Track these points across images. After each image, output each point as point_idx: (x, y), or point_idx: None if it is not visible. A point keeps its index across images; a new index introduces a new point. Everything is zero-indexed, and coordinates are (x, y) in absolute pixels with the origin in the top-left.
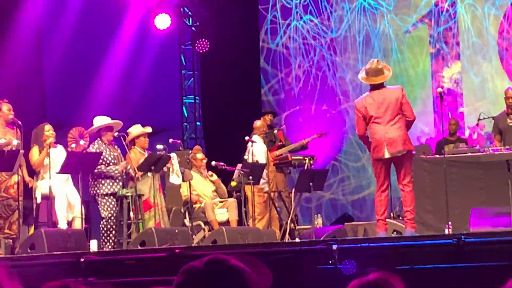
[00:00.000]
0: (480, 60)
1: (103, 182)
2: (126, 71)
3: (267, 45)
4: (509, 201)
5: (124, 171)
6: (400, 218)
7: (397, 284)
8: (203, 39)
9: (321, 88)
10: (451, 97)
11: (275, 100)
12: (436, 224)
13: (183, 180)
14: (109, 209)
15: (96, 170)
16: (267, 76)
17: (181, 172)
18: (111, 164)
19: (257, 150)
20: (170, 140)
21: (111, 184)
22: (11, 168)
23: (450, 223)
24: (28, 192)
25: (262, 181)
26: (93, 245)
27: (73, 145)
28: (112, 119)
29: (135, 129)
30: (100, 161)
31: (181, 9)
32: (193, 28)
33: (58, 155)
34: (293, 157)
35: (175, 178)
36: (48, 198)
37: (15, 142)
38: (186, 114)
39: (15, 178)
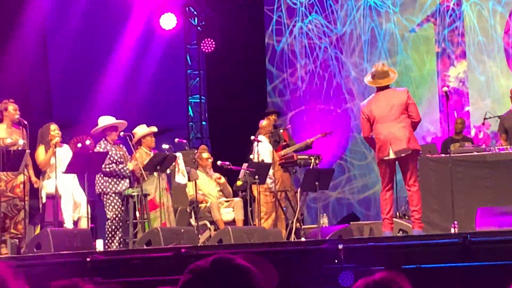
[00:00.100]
0: (486, 59)
1: (110, 180)
2: (131, 71)
3: (273, 45)
4: None
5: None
6: (406, 217)
7: (403, 284)
8: (209, 39)
9: (326, 87)
10: (457, 96)
11: (280, 100)
12: (442, 223)
13: (189, 180)
14: (114, 209)
15: (108, 169)
16: (272, 76)
17: (187, 172)
18: (118, 163)
19: (263, 149)
20: (176, 139)
21: (118, 183)
22: (17, 167)
23: (456, 222)
24: (34, 191)
25: (268, 180)
26: (99, 245)
27: (79, 145)
28: (117, 119)
29: (141, 129)
30: (109, 160)
31: (187, 8)
32: (198, 27)
33: (64, 154)
34: (299, 157)
35: (181, 178)
36: (54, 198)
37: (21, 141)
38: (191, 114)
39: (21, 178)
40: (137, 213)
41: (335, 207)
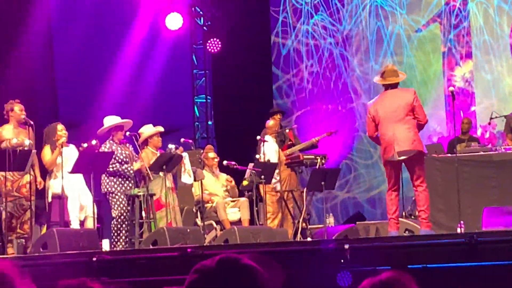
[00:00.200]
0: (492, 58)
1: (115, 180)
2: (137, 71)
3: (278, 45)
4: None
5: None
6: (412, 217)
7: (409, 283)
8: (215, 39)
9: (332, 87)
10: (463, 96)
11: (286, 100)
12: (447, 223)
13: (195, 180)
14: (119, 208)
15: (112, 169)
16: (278, 76)
17: (192, 172)
18: (123, 163)
19: (269, 149)
20: (182, 139)
21: (123, 182)
22: (23, 167)
23: (462, 222)
24: (40, 191)
25: (273, 180)
26: (105, 245)
27: (85, 144)
28: (123, 118)
29: (147, 129)
30: (114, 160)
31: (193, 8)
32: (204, 28)
33: (71, 154)
34: (305, 156)
35: (187, 178)
36: (60, 198)
37: (27, 142)
38: (197, 114)
39: (27, 178)
40: (143, 213)
41: (342, 207)
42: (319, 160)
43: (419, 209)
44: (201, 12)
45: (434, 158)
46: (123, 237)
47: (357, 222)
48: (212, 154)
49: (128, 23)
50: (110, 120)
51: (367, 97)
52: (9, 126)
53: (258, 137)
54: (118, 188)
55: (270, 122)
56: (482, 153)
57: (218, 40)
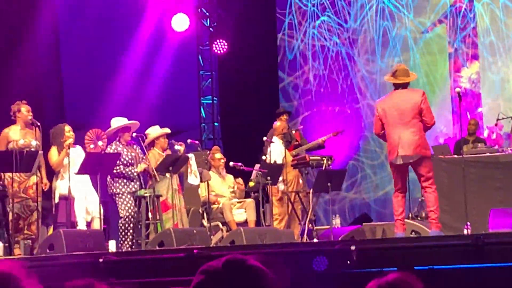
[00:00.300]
0: (499, 59)
1: (119, 181)
2: (144, 72)
3: (284, 47)
4: None
5: (144, 171)
6: (419, 218)
7: (416, 285)
8: (221, 40)
9: (338, 88)
10: (470, 97)
11: (292, 101)
12: (452, 224)
13: (201, 181)
14: (126, 207)
15: (115, 171)
16: (284, 77)
17: (199, 173)
18: (128, 164)
19: (275, 150)
20: (188, 140)
21: (128, 184)
22: (30, 168)
23: (468, 223)
24: (47, 192)
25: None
26: (112, 246)
27: (92, 146)
28: (130, 120)
29: (154, 130)
30: (118, 161)
31: (199, 10)
32: (211, 29)
33: (77, 155)
34: (311, 158)
35: (193, 179)
36: (67, 199)
37: (33, 143)
38: (204, 115)
39: (34, 179)
40: (149, 214)
41: (350, 208)
42: (325, 161)
43: (428, 210)
44: (207, 13)
45: (441, 159)
46: (130, 237)
47: (363, 223)
48: (218, 155)
49: (134, 25)
50: (117, 122)
51: (373, 98)
52: (16, 127)
53: (265, 138)
54: (123, 190)
55: (277, 123)
56: (488, 154)
57: (224, 41)
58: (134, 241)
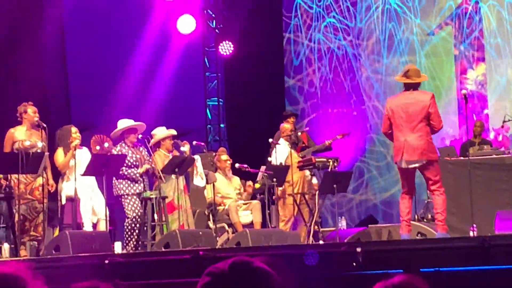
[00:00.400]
0: (505, 61)
1: (124, 182)
2: (150, 74)
3: (290, 49)
4: None
5: (148, 172)
6: (424, 220)
7: (422, 287)
8: (227, 42)
9: (344, 90)
10: (476, 99)
11: (298, 102)
12: (459, 226)
13: (207, 182)
14: (133, 208)
15: (120, 172)
16: (290, 78)
17: (205, 174)
18: (132, 166)
19: (280, 152)
20: (194, 142)
21: (132, 185)
22: (36, 170)
23: (474, 225)
24: (53, 194)
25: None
26: (117, 247)
27: (98, 147)
28: (135, 121)
29: (160, 131)
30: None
31: (205, 11)
32: (216, 30)
33: (83, 157)
34: (317, 159)
35: (199, 180)
36: (73, 200)
37: (40, 144)
38: (209, 116)
39: (40, 180)
40: (155, 216)
41: (358, 210)
42: (331, 163)
43: (435, 212)
44: (213, 15)
45: (447, 161)
46: (135, 237)
47: (369, 225)
48: (225, 157)
49: (140, 26)
50: (124, 123)
51: (379, 99)
52: (22, 127)
53: (271, 140)
54: (127, 191)
55: (284, 125)
56: (494, 156)
57: (230, 43)
58: (139, 242)
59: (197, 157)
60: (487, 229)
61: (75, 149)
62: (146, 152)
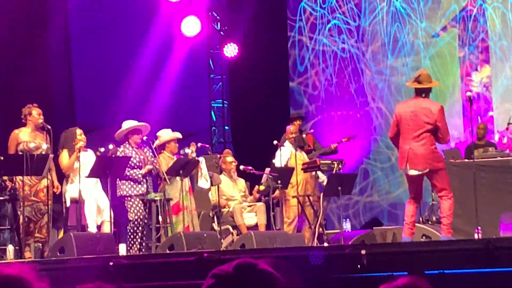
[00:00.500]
0: (510, 63)
1: (126, 183)
2: (154, 76)
3: (295, 51)
4: None
5: (151, 173)
6: (429, 222)
7: None
8: (232, 44)
9: (347, 92)
10: (481, 101)
11: (303, 105)
12: (464, 228)
13: (212, 184)
14: (135, 211)
15: None
16: (295, 81)
17: (209, 176)
18: (135, 167)
19: (285, 155)
20: (199, 144)
21: (135, 186)
22: (41, 172)
23: (479, 227)
24: (57, 195)
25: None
26: (122, 249)
27: (102, 149)
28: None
29: (166, 133)
30: None
31: (210, 13)
32: (221, 32)
33: (88, 159)
34: (322, 162)
35: (203, 182)
36: (78, 202)
37: (44, 146)
38: (214, 118)
39: (44, 182)
40: (160, 218)
41: (364, 211)
42: (335, 165)
43: (441, 215)
44: (218, 17)
45: (452, 164)
46: (139, 240)
47: (374, 228)
48: (230, 158)
49: (145, 28)
50: (128, 124)
51: (382, 101)
52: (27, 129)
53: (275, 142)
54: (130, 192)
55: (290, 128)
56: (499, 158)
57: (235, 45)
58: (143, 244)
59: (201, 159)
60: (492, 231)
61: (79, 151)
62: (151, 153)
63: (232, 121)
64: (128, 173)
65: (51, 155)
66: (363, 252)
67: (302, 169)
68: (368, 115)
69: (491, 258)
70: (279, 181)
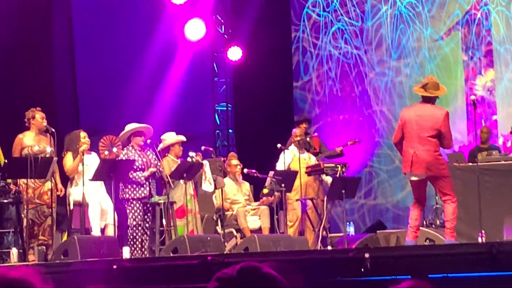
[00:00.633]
0: None
1: (129, 186)
2: (158, 79)
3: (299, 53)
4: None
5: (154, 175)
6: (433, 226)
7: None
8: (236, 47)
9: (351, 95)
10: (485, 105)
11: (306, 108)
12: (467, 232)
13: (215, 188)
14: (134, 216)
15: None
16: (299, 85)
17: (213, 180)
18: (138, 169)
19: (289, 158)
20: (203, 147)
21: (137, 189)
22: (45, 175)
23: (483, 231)
24: (61, 198)
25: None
26: (126, 252)
27: (106, 153)
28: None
29: (170, 137)
30: None
31: (214, 16)
32: (225, 36)
33: (92, 162)
34: (325, 165)
35: (207, 186)
36: (81, 205)
37: (48, 149)
38: (218, 122)
39: (48, 185)
40: (164, 221)
41: (369, 214)
42: (339, 169)
43: (445, 219)
44: (222, 21)
45: (455, 167)
46: (139, 245)
47: (377, 231)
48: (235, 162)
49: (149, 31)
50: (131, 126)
51: (386, 104)
52: (30, 133)
53: (279, 145)
54: (132, 195)
55: (296, 131)
56: (503, 162)
57: (239, 48)
58: (144, 247)
59: (205, 162)
60: (495, 235)
61: (83, 154)
62: (154, 156)
63: (236, 125)
64: (130, 176)
65: (55, 158)
66: (366, 255)
67: (306, 172)
68: (371, 118)
69: (494, 262)
70: (282, 185)
